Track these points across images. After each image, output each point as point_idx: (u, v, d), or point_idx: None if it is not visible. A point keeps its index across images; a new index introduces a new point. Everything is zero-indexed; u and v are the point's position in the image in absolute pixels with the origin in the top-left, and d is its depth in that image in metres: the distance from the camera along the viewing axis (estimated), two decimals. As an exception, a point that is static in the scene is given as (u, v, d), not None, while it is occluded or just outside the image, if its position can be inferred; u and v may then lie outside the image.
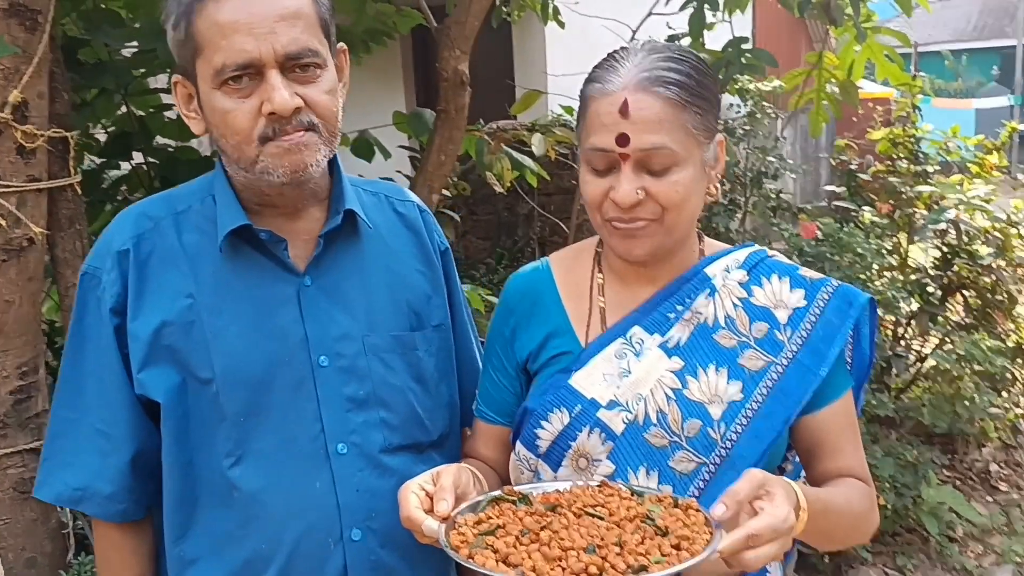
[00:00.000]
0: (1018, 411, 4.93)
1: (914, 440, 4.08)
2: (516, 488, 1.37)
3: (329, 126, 1.43)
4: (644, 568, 1.15)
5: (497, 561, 1.16)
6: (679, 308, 1.51)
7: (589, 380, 1.48)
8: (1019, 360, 4.43)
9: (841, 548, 1.42)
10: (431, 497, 1.29)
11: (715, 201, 1.54)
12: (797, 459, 1.58)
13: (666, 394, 1.46)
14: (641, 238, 1.42)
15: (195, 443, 1.44)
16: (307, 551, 1.44)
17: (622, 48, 1.45)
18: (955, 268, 4.13)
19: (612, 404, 1.46)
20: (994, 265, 4.03)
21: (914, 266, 4.39)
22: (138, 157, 3.22)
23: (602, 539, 1.20)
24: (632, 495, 1.33)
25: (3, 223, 2.21)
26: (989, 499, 4.56)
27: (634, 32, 4.59)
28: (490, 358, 1.63)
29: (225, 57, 1.33)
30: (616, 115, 1.36)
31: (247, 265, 1.48)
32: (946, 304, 4.50)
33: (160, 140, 3.25)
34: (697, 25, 4.15)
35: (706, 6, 4.26)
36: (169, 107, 3.21)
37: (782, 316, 1.50)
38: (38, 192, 2.31)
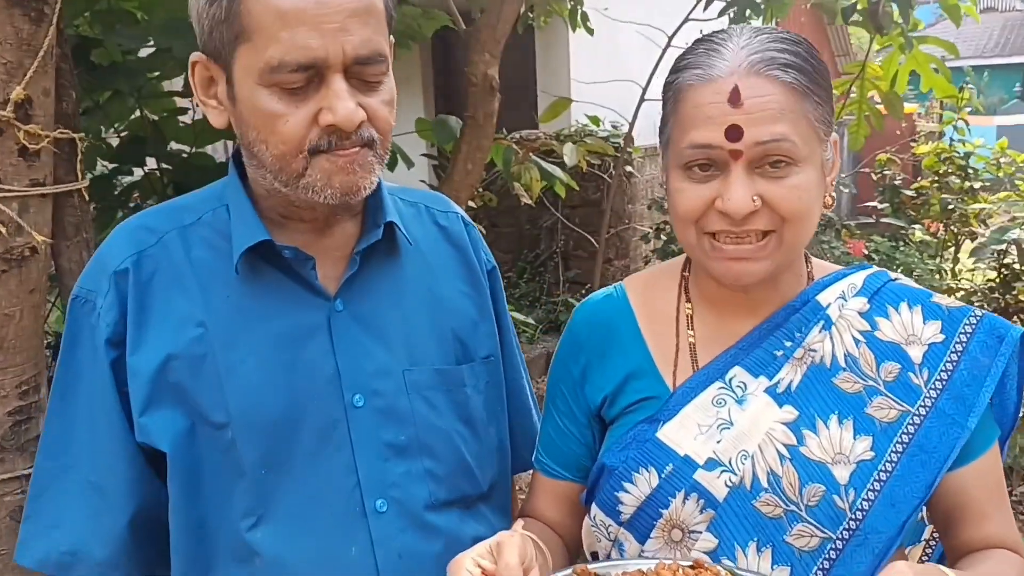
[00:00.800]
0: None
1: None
2: (591, 568, 1.15)
3: (385, 142, 1.23)
4: None
5: None
6: (788, 344, 1.27)
7: (682, 433, 1.25)
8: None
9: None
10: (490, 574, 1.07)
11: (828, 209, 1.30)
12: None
13: (779, 452, 1.22)
14: (754, 260, 1.19)
15: (208, 500, 1.23)
16: None
17: (715, 32, 1.22)
18: (1015, 290, 3.89)
19: (712, 463, 1.23)
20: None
21: (968, 288, 4.14)
22: (151, 163, 3.05)
23: None
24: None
25: (3, 230, 2.01)
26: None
27: (670, 38, 4.38)
28: (555, 401, 1.41)
29: (284, 52, 1.12)
30: (724, 105, 1.14)
31: (268, 288, 1.27)
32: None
33: (175, 145, 3.08)
34: (738, 30, 3.96)
35: (748, 11, 4.07)
36: (184, 111, 3.06)
37: (915, 354, 1.26)
38: (42, 197, 2.13)
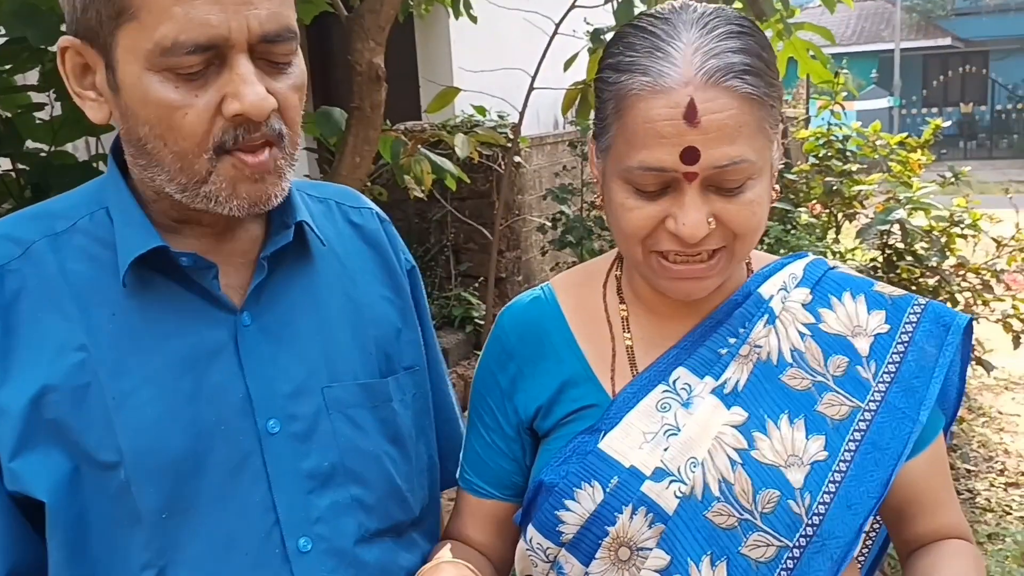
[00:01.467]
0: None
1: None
2: None
3: (295, 137, 1.07)
4: None
5: None
6: (732, 341, 1.19)
7: (626, 442, 1.15)
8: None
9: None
10: None
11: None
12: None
13: (730, 457, 1.13)
14: (704, 278, 1.11)
15: (98, 555, 1.04)
16: None
17: (655, 19, 1.08)
18: (899, 270, 3.98)
19: (660, 473, 1.13)
20: (938, 266, 3.90)
21: (855, 267, 4.23)
22: (5, 163, 2.78)
23: None
24: None
25: None
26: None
27: (557, 25, 4.30)
28: (480, 414, 1.28)
29: (178, 31, 0.94)
30: (679, 122, 1.02)
31: (161, 303, 1.09)
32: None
33: (31, 144, 2.81)
34: (624, 16, 3.91)
35: (637, -1, 4.03)
36: (40, 107, 2.78)
37: (862, 347, 1.19)
38: None
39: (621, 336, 1.22)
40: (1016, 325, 4.21)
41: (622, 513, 1.13)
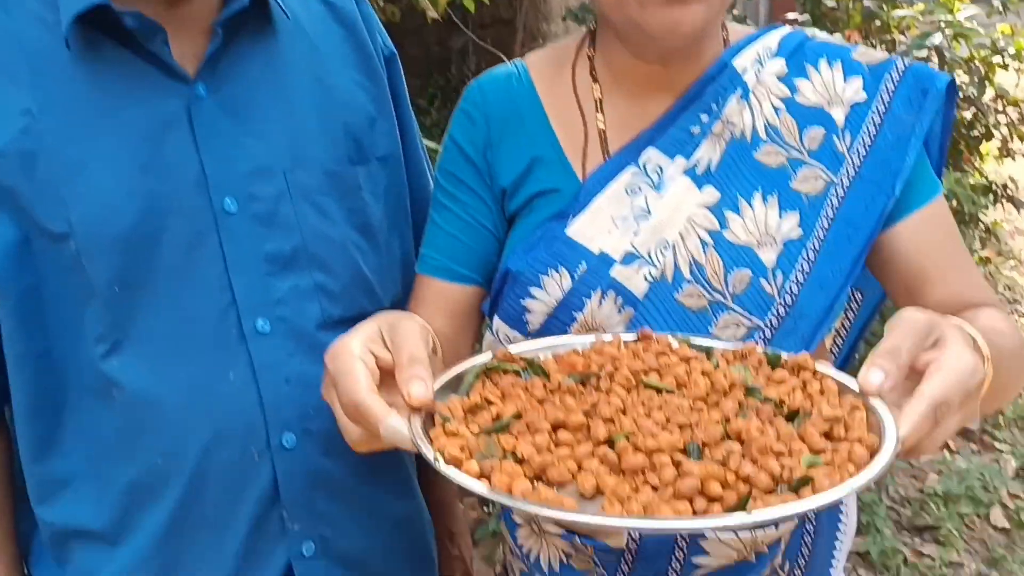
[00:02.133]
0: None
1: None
2: (514, 350, 0.98)
3: None
4: (807, 481, 0.75)
5: (534, 480, 0.76)
6: (704, 119, 1.12)
7: (595, 227, 1.10)
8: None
9: (1000, 406, 1.08)
10: (383, 369, 0.87)
11: None
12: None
13: (701, 239, 1.09)
14: (691, 3, 1.01)
15: (52, 326, 1.03)
16: (221, 465, 1.07)
17: None
18: (934, 100, 3.78)
19: (630, 257, 1.09)
20: (974, 96, 3.70)
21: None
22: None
23: (693, 429, 0.82)
24: (691, 351, 0.97)
25: None
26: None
27: None
28: (451, 195, 1.18)
29: None
30: None
31: (111, 69, 1.03)
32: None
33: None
34: None
35: None
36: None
37: (839, 116, 1.12)
38: None
39: (594, 118, 1.15)
40: (1052, 163, 4.04)
41: (590, 299, 1.09)
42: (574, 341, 1.01)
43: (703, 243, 1.09)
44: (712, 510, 0.74)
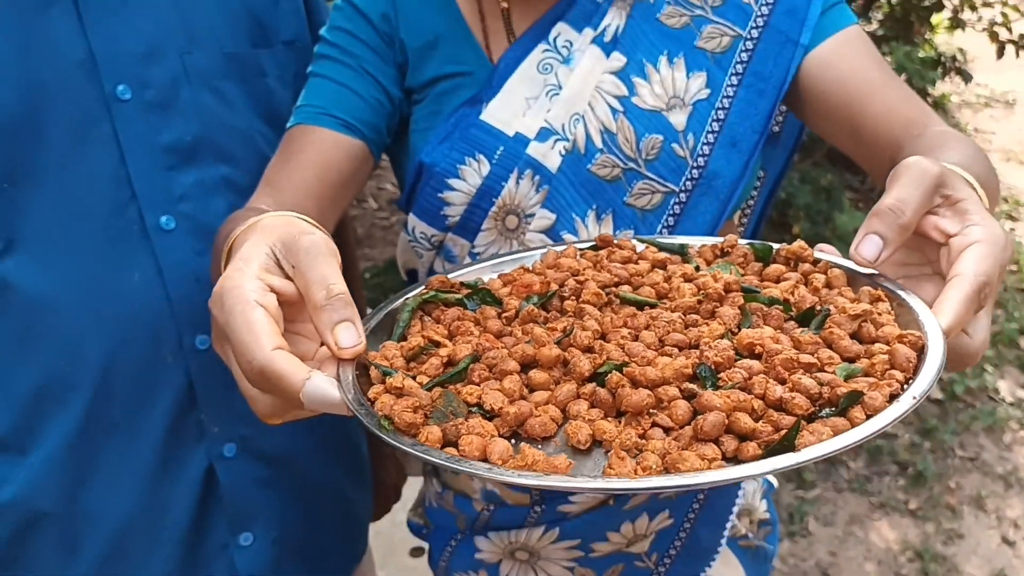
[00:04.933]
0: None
1: (827, 164, 3.85)
2: (452, 277, 0.85)
3: None
4: (855, 399, 0.61)
5: (512, 437, 0.63)
6: None
7: (509, 110, 1.07)
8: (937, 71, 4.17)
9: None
10: (286, 303, 0.70)
11: None
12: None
13: (610, 106, 1.07)
14: None
15: None
16: (130, 368, 1.02)
17: None
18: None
19: (544, 133, 1.06)
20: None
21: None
22: None
23: (697, 349, 0.68)
24: (660, 252, 0.86)
25: None
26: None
27: None
28: (343, 50, 1.08)
29: None
30: None
31: None
32: (868, 15, 4.12)
33: None
34: None
35: None
36: None
37: None
38: None
39: None
40: (1002, 34, 4.01)
41: (507, 181, 1.06)
42: (520, 257, 0.90)
43: (613, 110, 1.06)
44: (745, 450, 0.60)
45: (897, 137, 0.99)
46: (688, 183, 1.07)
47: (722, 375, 0.65)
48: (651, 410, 0.63)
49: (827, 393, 0.62)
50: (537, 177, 1.06)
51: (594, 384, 0.66)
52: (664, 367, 0.65)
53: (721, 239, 0.88)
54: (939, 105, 5.46)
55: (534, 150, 1.06)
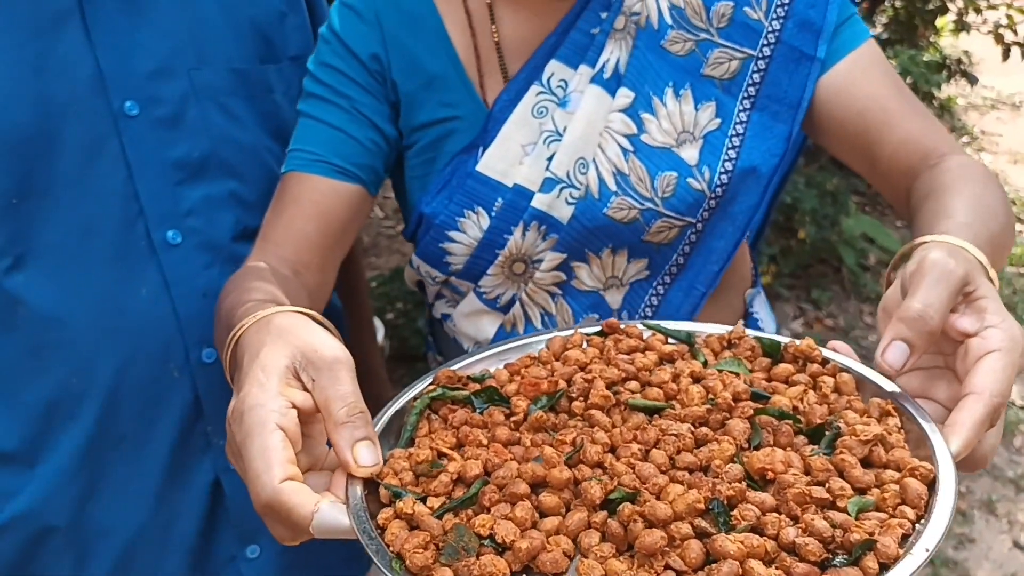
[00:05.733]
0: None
1: (833, 168, 3.84)
2: (458, 366, 0.83)
3: None
4: (869, 547, 0.60)
5: (522, 573, 0.62)
6: (604, 16, 1.05)
7: (505, 159, 1.04)
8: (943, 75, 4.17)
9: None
10: (303, 417, 0.69)
11: None
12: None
13: (621, 146, 1.03)
14: None
15: None
16: (138, 382, 1.03)
17: None
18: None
19: (549, 184, 1.03)
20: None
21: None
22: None
23: (708, 475, 0.67)
24: (670, 344, 0.84)
25: None
26: (900, 224, 4.46)
27: None
28: (333, 90, 1.05)
29: None
30: None
31: None
32: (872, 19, 4.12)
33: None
34: None
35: None
36: None
37: None
38: None
39: (488, 31, 1.06)
40: (1008, 36, 4.00)
41: (512, 234, 1.04)
42: (525, 343, 0.87)
43: (624, 151, 1.03)
44: None
45: (914, 167, 0.99)
46: (705, 213, 1.05)
47: (735, 512, 0.64)
48: (664, 548, 0.61)
49: (840, 537, 0.61)
50: (544, 227, 1.04)
51: (606, 513, 0.65)
52: (676, 501, 0.63)
53: (729, 328, 0.86)
54: (945, 108, 5.46)
55: (539, 202, 1.03)
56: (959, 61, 4.41)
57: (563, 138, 1.03)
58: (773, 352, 0.82)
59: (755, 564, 0.59)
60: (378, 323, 2.22)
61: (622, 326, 0.86)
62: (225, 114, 1.06)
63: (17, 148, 0.95)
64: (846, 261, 3.78)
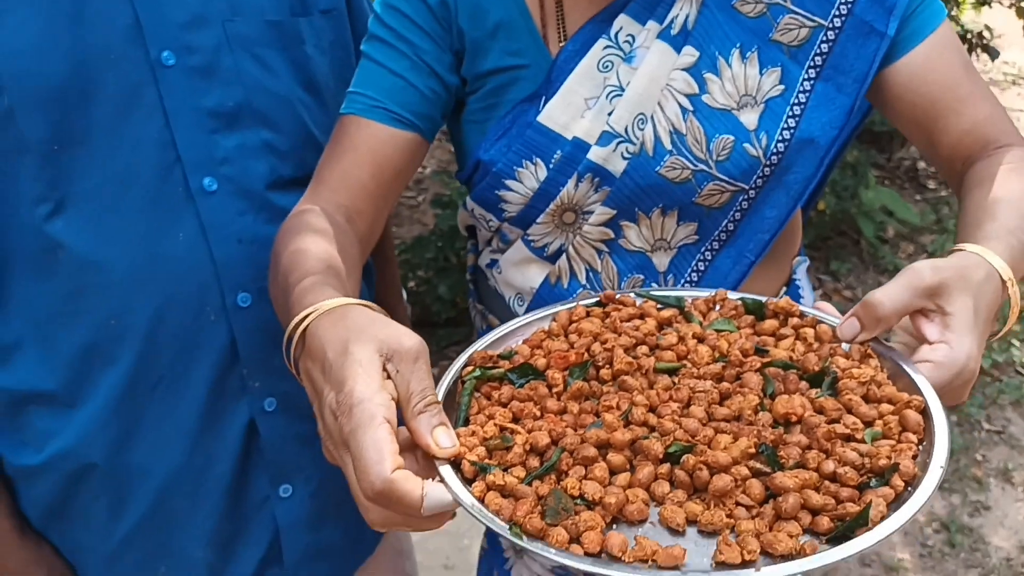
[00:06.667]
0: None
1: (853, 141, 3.83)
2: (479, 346, 0.91)
3: None
4: (895, 468, 0.73)
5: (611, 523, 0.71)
6: None
7: (567, 112, 1.05)
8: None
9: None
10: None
11: None
12: None
13: (680, 105, 1.04)
14: None
15: None
16: (175, 327, 1.06)
17: None
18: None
19: (606, 137, 1.04)
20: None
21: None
22: None
23: (749, 424, 0.78)
24: (665, 311, 0.95)
25: None
26: (918, 197, 4.45)
27: None
28: (398, 35, 1.06)
29: None
30: None
31: None
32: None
33: None
34: None
35: None
36: None
37: None
38: None
39: None
40: (1030, 9, 3.97)
41: (566, 185, 1.06)
42: (531, 320, 0.95)
43: (683, 109, 1.04)
44: (820, 524, 0.69)
45: (972, 154, 1.05)
46: (759, 180, 1.05)
47: (780, 453, 0.75)
48: (732, 489, 0.71)
49: (869, 463, 0.73)
50: (597, 179, 1.05)
51: (669, 465, 0.74)
52: (730, 448, 0.74)
53: (712, 291, 0.97)
54: (966, 82, 5.42)
55: (595, 155, 1.04)
56: (980, 35, 4.37)
57: (624, 93, 1.03)
58: (756, 310, 0.94)
59: (811, 493, 0.70)
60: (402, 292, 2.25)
61: (618, 296, 0.96)
62: (258, 64, 1.08)
63: (55, 97, 0.97)
64: (865, 233, 3.78)
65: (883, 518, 0.68)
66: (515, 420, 0.79)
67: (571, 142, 1.05)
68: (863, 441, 0.75)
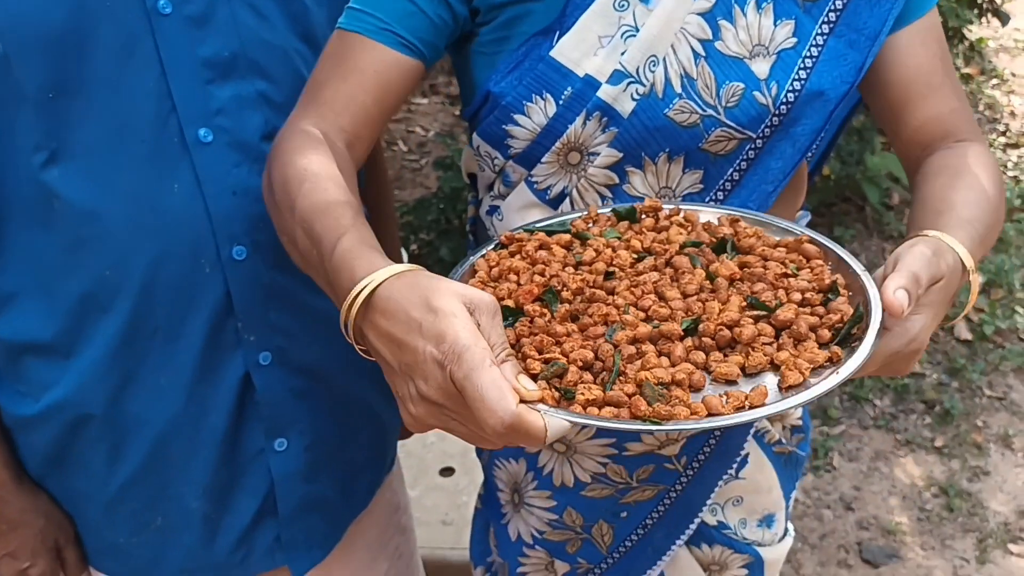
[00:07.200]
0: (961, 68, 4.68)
1: (859, 105, 3.80)
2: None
3: None
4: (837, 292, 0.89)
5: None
6: None
7: (581, 48, 1.04)
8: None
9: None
10: None
11: None
12: None
13: (693, 49, 1.04)
14: None
15: None
16: (170, 278, 1.06)
17: None
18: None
19: (617, 76, 1.04)
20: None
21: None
22: None
23: (718, 290, 0.90)
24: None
25: None
26: (925, 164, 4.41)
27: None
28: None
29: None
30: None
31: None
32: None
33: None
34: None
35: None
36: None
37: None
38: None
39: None
40: (1042, -27, 3.91)
41: (575, 121, 1.05)
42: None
43: (695, 54, 1.04)
44: (823, 337, 0.83)
45: (934, 143, 1.07)
46: (767, 130, 1.06)
47: (762, 297, 0.87)
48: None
49: (816, 285, 0.88)
50: (605, 119, 1.05)
51: (690, 339, 0.84)
52: (731, 308, 0.85)
53: (582, 212, 1.05)
54: (975, 49, 5.35)
55: (605, 93, 1.04)
56: (992, -1, 4.31)
57: (638, 34, 1.03)
58: (628, 215, 1.03)
59: (805, 317, 0.84)
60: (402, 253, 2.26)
61: (515, 233, 1.01)
62: (254, 14, 1.07)
63: (52, 45, 0.97)
64: (870, 199, 3.76)
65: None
66: (541, 352, 0.82)
67: (582, 79, 1.05)
68: (795, 275, 0.90)
